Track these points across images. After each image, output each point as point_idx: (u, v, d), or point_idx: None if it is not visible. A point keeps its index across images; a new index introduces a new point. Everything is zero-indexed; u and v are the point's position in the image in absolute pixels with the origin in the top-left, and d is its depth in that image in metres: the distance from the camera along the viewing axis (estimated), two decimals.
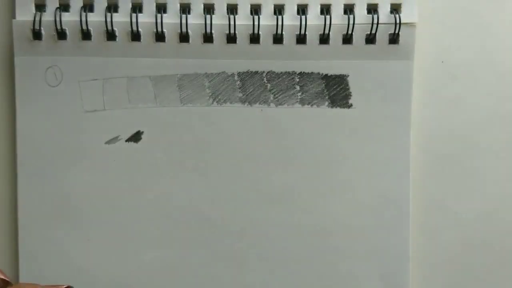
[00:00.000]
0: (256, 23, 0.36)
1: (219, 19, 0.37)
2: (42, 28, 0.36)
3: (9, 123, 0.38)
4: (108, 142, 0.37)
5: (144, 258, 0.38)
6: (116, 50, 0.37)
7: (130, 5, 0.37)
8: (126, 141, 0.37)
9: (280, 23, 0.36)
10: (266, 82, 0.37)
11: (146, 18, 0.36)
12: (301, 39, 0.37)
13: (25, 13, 0.36)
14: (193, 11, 0.37)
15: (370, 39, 0.37)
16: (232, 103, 0.37)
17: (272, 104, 0.37)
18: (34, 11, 0.36)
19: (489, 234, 0.39)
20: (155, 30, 0.36)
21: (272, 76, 0.37)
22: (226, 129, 0.37)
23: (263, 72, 0.37)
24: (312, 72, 0.37)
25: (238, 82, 0.37)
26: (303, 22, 0.36)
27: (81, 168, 0.37)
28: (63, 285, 0.30)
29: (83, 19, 0.36)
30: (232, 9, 0.37)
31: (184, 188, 0.38)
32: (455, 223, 0.39)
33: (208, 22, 0.36)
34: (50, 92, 0.37)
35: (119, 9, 0.37)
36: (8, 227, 0.38)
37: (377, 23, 0.36)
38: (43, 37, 0.36)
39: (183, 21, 0.36)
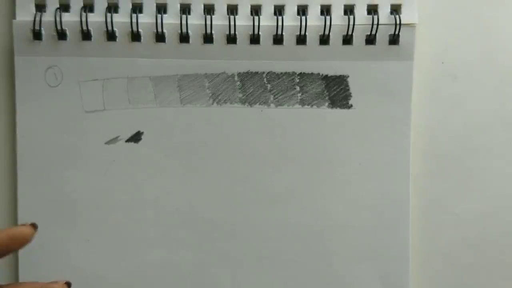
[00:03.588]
0: (256, 23, 0.36)
1: (219, 20, 0.37)
2: (42, 29, 0.36)
3: (9, 123, 0.37)
4: (108, 142, 0.37)
5: (143, 258, 0.38)
6: (116, 50, 0.37)
7: (130, 6, 0.37)
8: (126, 141, 0.37)
9: (280, 23, 0.36)
10: (266, 82, 0.37)
11: (146, 19, 0.36)
12: (301, 39, 0.37)
13: (25, 13, 0.36)
14: (193, 11, 0.37)
15: (370, 39, 0.37)
16: (232, 103, 0.37)
17: (272, 105, 0.37)
18: (34, 11, 0.36)
19: (489, 234, 0.39)
20: (155, 30, 0.36)
21: (272, 76, 0.37)
22: (226, 130, 0.37)
23: (263, 72, 0.37)
24: (312, 73, 0.37)
25: (238, 82, 0.37)
26: (303, 23, 0.36)
27: (81, 168, 0.37)
28: (61, 281, 0.29)
29: (83, 19, 0.36)
30: (232, 10, 0.37)
31: (184, 188, 0.38)
32: (455, 223, 0.39)
33: (208, 22, 0.36)
34: (50, 92, 0.37)
35: (119, 10, 0.37)
36: (8, 227, 0.38)
37: (377, 24, 0.36)
38: (43, 37, 0.36)
39: (183, 21, 0.36)
